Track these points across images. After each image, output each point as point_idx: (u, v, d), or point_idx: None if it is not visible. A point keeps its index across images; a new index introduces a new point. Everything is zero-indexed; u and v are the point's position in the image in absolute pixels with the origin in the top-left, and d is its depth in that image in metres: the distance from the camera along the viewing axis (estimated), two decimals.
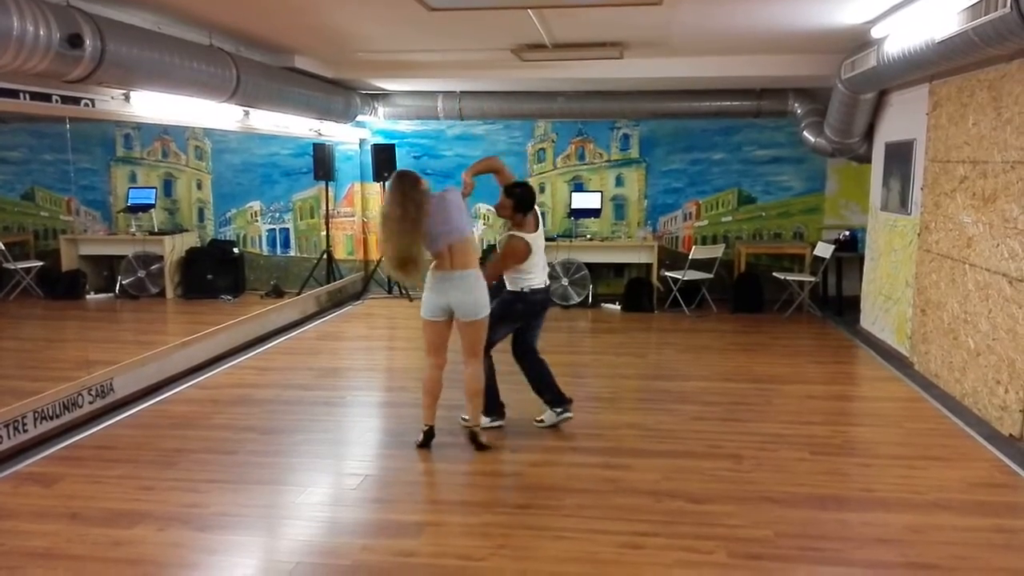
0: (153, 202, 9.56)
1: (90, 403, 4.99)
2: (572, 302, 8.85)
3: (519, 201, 4.64)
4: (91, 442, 4.62)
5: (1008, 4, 3.60)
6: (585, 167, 9.35)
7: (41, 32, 3.82)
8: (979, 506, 3.76)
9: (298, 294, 8.84)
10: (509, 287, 4.72)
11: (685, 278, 8.41)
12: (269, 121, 7.27)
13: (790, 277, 8.43)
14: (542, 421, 4.82)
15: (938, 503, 3.77)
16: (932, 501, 3.80)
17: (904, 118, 6.64)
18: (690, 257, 8.42)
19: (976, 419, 4.95)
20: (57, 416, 4.70)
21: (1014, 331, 4.59)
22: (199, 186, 9.82)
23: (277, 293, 9.25)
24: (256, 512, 3.73)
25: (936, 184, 5.86)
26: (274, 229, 9.85)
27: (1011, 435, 4.57)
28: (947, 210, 5.64)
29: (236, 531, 3.55)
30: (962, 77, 5.43)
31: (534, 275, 4.69)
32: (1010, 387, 4.62)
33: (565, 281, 8.86)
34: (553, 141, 9.36)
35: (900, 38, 5.10)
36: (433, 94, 8.87)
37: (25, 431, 4.45)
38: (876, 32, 5.43)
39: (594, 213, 9.07)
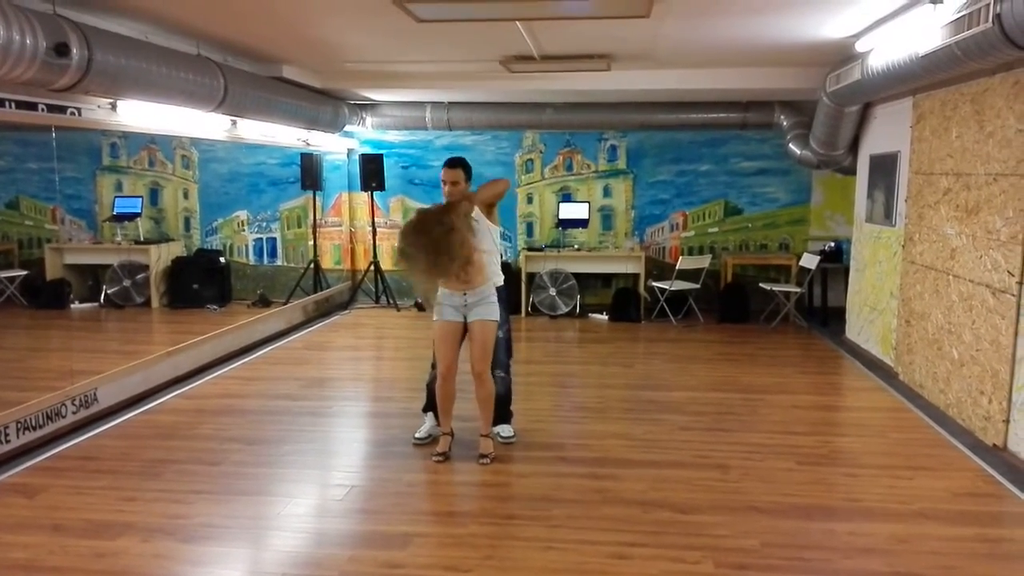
0: (139, 211, 9.51)
1: (74, 413, 4.95)
2: (560, 312, 8.86)
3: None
4: (75, 452, 4.58)
5: (990, 19, 3.64)
6: (573, 178, 9.38)
7: (27, 41, 3.80)
8: (963, 516, 3.78)
9: (285, 304, 8.81)
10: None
11: (672, 288, 8.45)
12: (257, 131, 7.26)
13: (776, 288, 8.47)
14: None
15: (923, 513, 3.79)
16: (917, 511, 3.82)
17: (888, 131, 6.71)
18: (677, 268, 8.47)
19: (960, 429, 4.98)
20: (40, 426, 4.65)
21: (997, 342, 4.64)
22: (185, 195, 9.78)
23: (264, 303, 9.20)
24: (241, 523, 3.71)
25: (920, 196, 5.91)
26: (261, 239, 9.82)
27: (995, 445, 4.60)
28: (931, 222, 5.69)
29: (221, 543, 3.52)
30: (945, 91, 5.50)
31: None
32: (993, 397, 4.66)
33: (553, 291, 8.87)
34: (541, 152, 9.39)
35: (884, 52, 5.15)
36: (421, 104, 8.88)
37: (8, 441, 4.40)
38: (860, 46, 5.49)
39: (582, 223, 9.10)
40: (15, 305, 8.90)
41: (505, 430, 4.76)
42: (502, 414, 4.76)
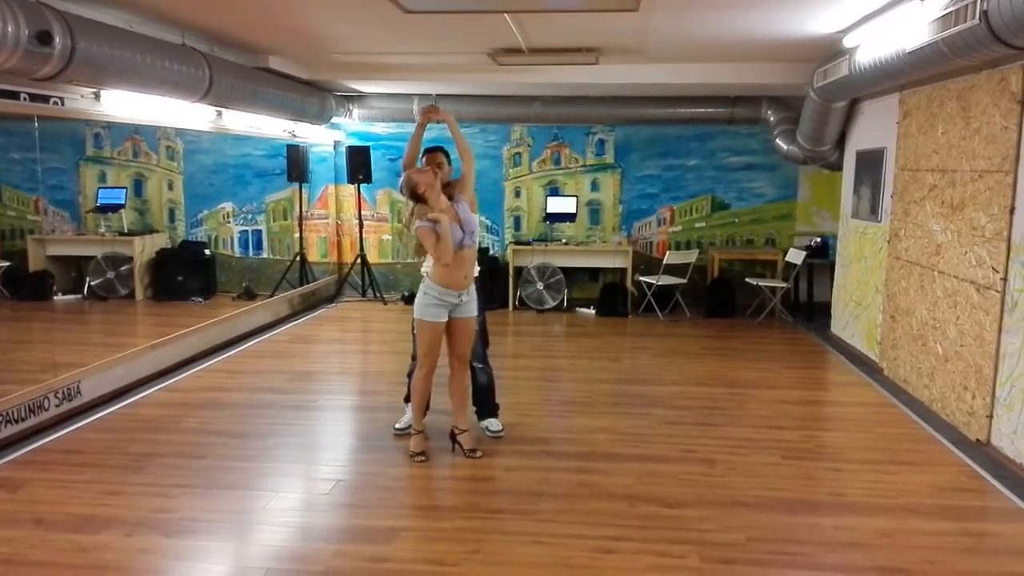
0: (123, 202, 9.42)
1: (56, 406, 4.90)
2: (547, 306, 8.86)
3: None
4: (57, 446, 4.54)
5: (977, 16, 3.66)
6: (561, 172, 9.37)
7: (9, 28, 3.74)
8: (947, 510, 3.81)
9: (270, 296, 8.76)
10: None
11: (659, 283, 8.46)
12: (242, 122, 7.20)
13: (762, 283, 8.50)
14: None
15: (907, 507, 3.82)
16: (901, 505, 3.84)
17: (875, 127, 6.73)
18: (664, 262, 8.48)
19: (944, 424, 5.02)
20: (22, 419, 4.61)
21: (981, 338, 4.67)
22: (170, 186, 9.70)
23: (249, 295, 9.15)
24: (226, 517, 3.69)
25: (906, 192, 5.94)
26: (246, 230, 9.76)
27: (978, 440, 4.64)
28: (916, 218, 5.72)
29: (205, 537, 3.50)
30: (931, 87, 5.52)
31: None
32: (977, 393, 4.69)
33: (540, 285, 8.86)
34: (529, 145, 9.37)
35: (871, 48, 5.16)
36: (408, 96, 8.83)
37: None
38: (848, 41, 5.50)
39: (569, 217, 9.09)
40: None
41: (493, 424, 4.75)
42: (489, 406, 4.76)
